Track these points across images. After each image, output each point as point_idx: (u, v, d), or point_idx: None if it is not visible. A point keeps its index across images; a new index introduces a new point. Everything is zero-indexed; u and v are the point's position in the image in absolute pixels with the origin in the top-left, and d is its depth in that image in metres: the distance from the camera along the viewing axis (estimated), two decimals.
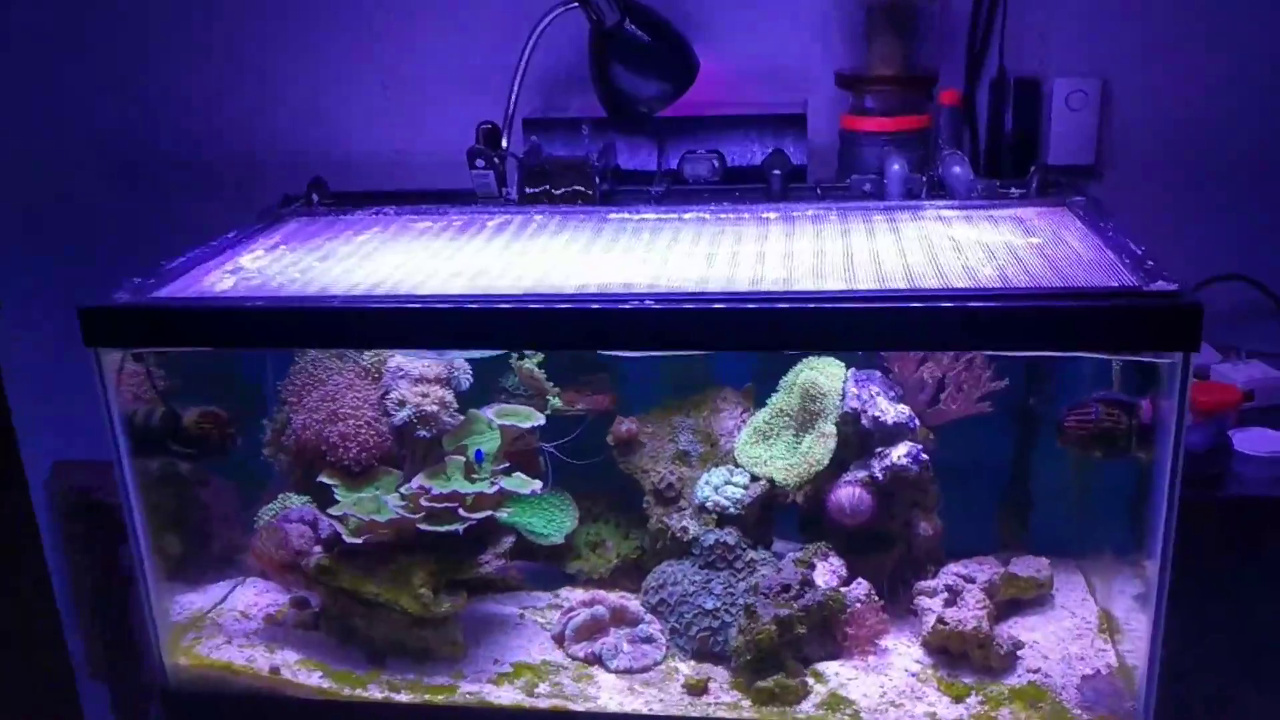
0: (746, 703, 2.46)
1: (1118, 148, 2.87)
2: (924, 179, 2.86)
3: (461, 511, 2.50)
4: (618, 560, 2.89)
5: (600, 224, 2.72)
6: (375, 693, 2.51)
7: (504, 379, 2.90)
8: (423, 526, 2.48)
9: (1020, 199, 2.77)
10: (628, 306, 2.12)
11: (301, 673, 2.57)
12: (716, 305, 2.09)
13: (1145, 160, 2.86)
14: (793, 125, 3.00)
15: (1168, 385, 2.09)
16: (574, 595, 2.84)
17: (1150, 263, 2.17)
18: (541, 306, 2.16)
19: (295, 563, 2.58)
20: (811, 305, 2.07)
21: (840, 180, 3.00)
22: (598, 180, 2.92)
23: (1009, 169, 3.06)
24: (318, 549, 2.58)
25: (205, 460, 2.59)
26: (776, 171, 2.94)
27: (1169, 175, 2.88)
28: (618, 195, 3.02)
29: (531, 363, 2.80)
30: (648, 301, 2.12)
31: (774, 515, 2.81)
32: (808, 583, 2.55)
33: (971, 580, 2.63)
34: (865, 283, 2.15)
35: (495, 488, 2.52)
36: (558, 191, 2.95)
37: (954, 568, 2.66)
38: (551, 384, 2.85)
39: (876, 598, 2.62)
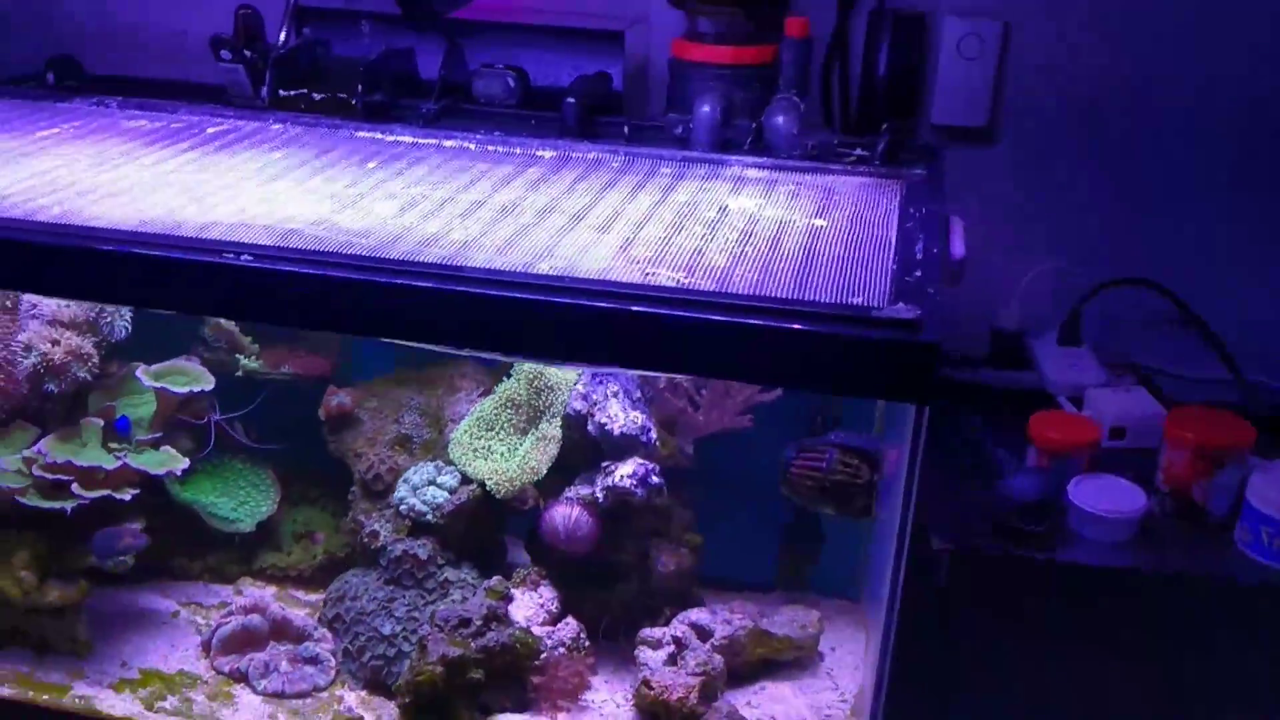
0: None
1: (1019, 108, 2.28)
2: (752, 126, 2.30)
3: (75, 489, 2.04)
4: (324, 556, 2.43)
5: (334, 145, 2.19)
6: None
7: (202, 330, 2.42)
8: (25, 501, 2.02)
9: (853, 164, 2.20)
10: (200, 259, 1.62)
11: None
12: (286, 268, 1.59)
13: (1050, 127, 2.27)
14: (610, 44, 2.43)
15: (910, 434, 1.58)
16: (262, 593, 2.39)
17: (919, 274, 1.64)
18: (112, 249, 1.66)
19: None
20: (412, 283, 1.56)
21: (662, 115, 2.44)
22: (362, 89, 2.39)
23: (878, 124, 2.46)
24: None
25: None
26: (570, 100, 2.37)
27: (1078, 146, 2.28)
28: (393, 111, 2.45)
29: None
30: (229, 256, 1.62)
31: (501, 526, 2.33)
32: (496, 618, 2.08)
33: (707, 633, 2.15)
34: (543, 261, 1.62)
35: (119, 464, 2.05)
36: (317, 97, 2.42)
37: (694, 615, 2.18)
38: (250, 340, 2.37)
39: (586, 643, 2.14)
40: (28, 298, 2.18)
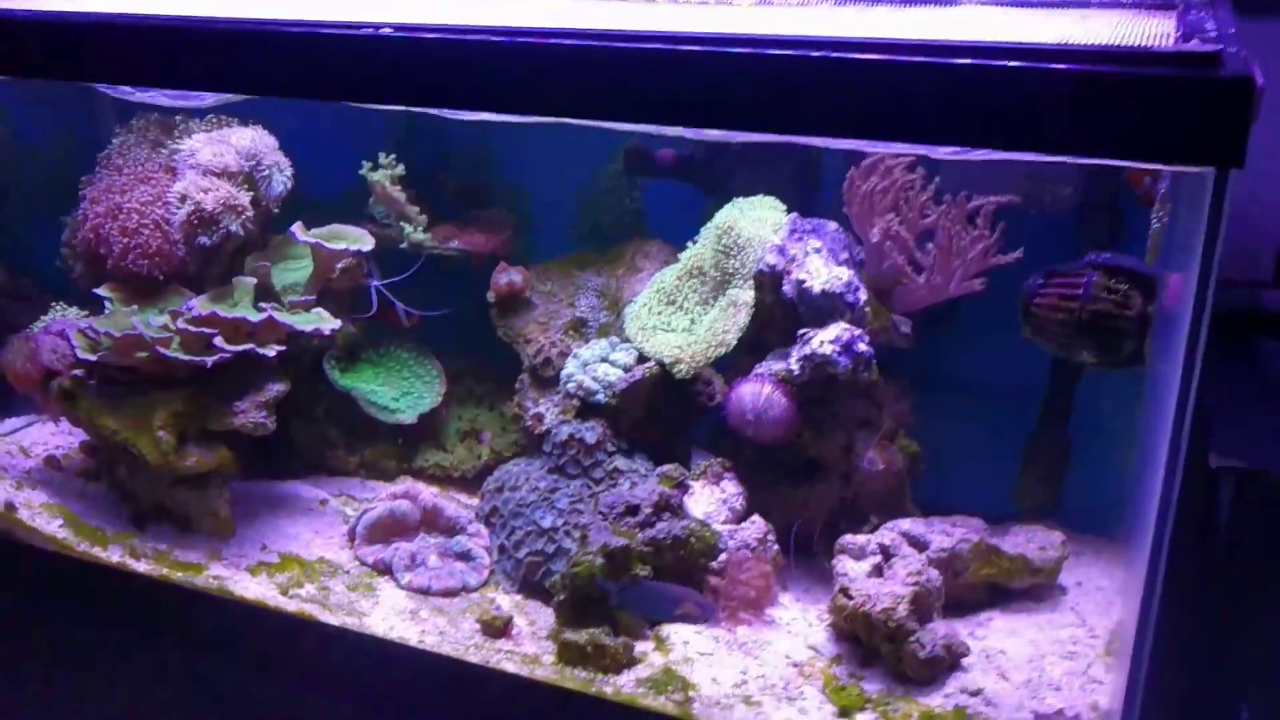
0: (550, 658, 1.72)
1: None
2: None
3: (217, 341, 1.87)
4: (491, 457, 2.19)
5: None
6: (113, 555, 1.95)
7: (370, 205, 2.24)
8: (163, 351, 1.86)
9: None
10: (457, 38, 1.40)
11: (40, 516, 2.04)
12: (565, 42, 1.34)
13: None
14: None
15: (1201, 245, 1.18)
16: (414, 484, 2.16)
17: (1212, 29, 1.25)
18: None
19: (43, 382, 2.03)
20: (694, 49, 1.28)
21: None
22: None
23: None
24: (78, 372, 2.01)
25: None
26: None
27: None
28: None
29: (385, 175, 2.12)
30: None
31: (684, 420, 2.02)
32: (668, 507, 1.76)
33: (920, 544, 1.76)
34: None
35: (263, 315, 1.87)
36: None
37: (905, 525, 1.79)
38: (417, 210, 2.16)
39: (774, 547, 1.79)
40: (187, 148, 2.05)
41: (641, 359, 1.94)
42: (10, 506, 2.03)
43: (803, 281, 1.74)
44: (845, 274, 1.73)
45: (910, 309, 1.82)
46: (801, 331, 1.77)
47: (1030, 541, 1.82)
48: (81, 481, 2.16)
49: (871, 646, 1.67)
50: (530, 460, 1.99)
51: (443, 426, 2.25)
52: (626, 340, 1.97)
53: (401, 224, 2.12)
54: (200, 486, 1.97)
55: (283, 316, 1.88)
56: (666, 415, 1.99)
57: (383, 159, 2.13)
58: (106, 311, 2.03)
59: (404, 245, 2.13)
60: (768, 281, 1.80)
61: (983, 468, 1.98)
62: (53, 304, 2.14)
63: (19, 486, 2.11)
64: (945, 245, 1.71)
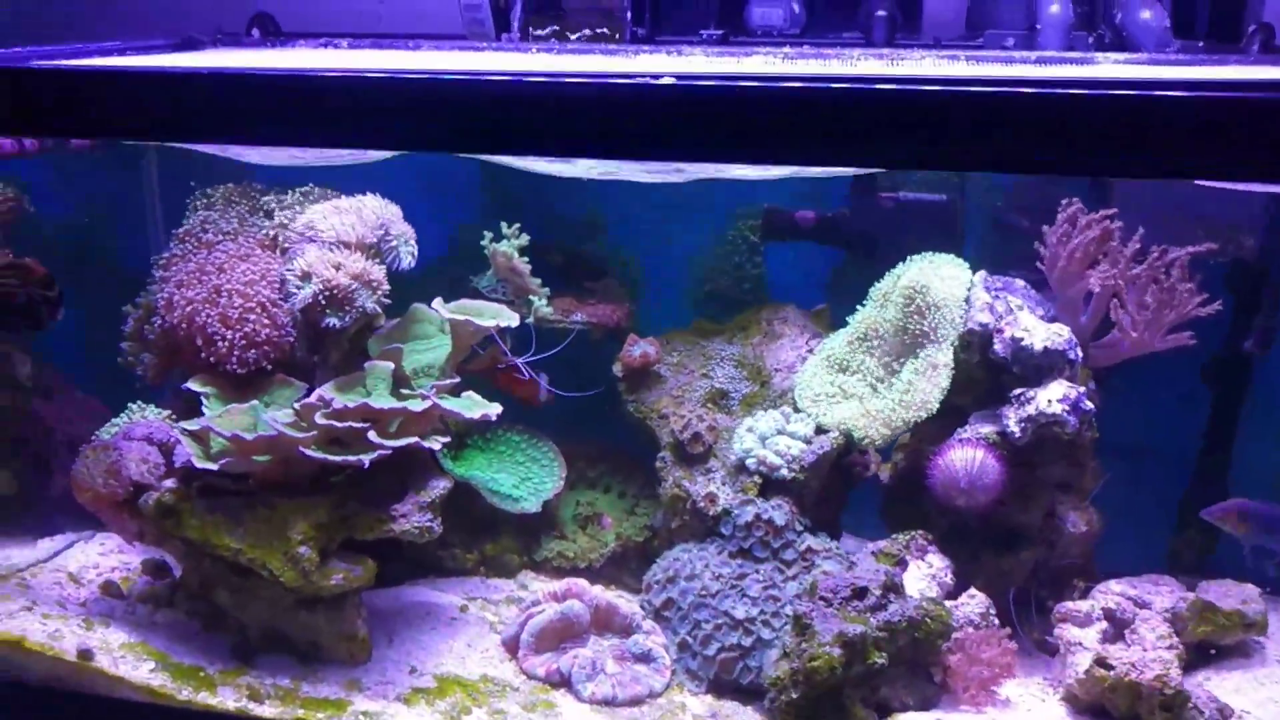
0: None
1: None
2: (1090, 38, 1.99)
3: (372, 436, 1.65)
4: (616, 544, 2.02)
5: (630, 59, 1.88)
6: (226, 699, 1.66)
7: (475, 277, 2.06)
8: (310, 453, 1.63)
9: (1232, 59, 1.85)
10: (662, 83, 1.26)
11: (125, 661, 1.73)
12: (787, 84, 1.22)
13: None
14: None
15: None
16: (546, 587, 1.96)
17: None
18: (548, 81, 1.30)
19: (130, 499, 1.74)
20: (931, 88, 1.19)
21: (970, 35, 2.13)
22: (629, 17, 2.10)
23: (1201, 28, 2.13)
24: (168, 483, 1.74)
25: (3, 331, 1.79)
26: (882, 12, 2.08)
27: None
28: (658, 42, 2.18)
29: (512, 246, 1.95)
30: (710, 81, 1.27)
31: (844, 488, 1.92)
32: (894, 589, 1.65)
33: (1145, 606, 1.71)
34: None
35: (427, 403, 1.66)
36: (573, 36, 2.13)
37: (1116, 586, 1.74)
38: (539, 282, 1.99)
39: (995, 620, 1.71)
40: (303, 222, 1.82)
41: (819, 430, 1.83)
42: (86, 654, 1.71)
43: (1019, 340, 1.68)
44: (1065, 330, 1.68)
45: (1107, 364, 1.79)
46: (1017, 392, 1.70)
47: (1229, 596, 1.79)
48: (149, 609, 1.87)
49: (1130, 717, 1.59)
50: (700, 545, 1.84)
51: (558, 513, 2.07)
52: (798, 410, 1.86)
53: (529, 298, 1.94)
54: (334, 606, 1.72)
55: (448, 403, 1.68)
56: (836, 484, 1.89)
57: (505, 229, 1.96)
58: (206, 409, 1.77)
59: (527, 319, 1.95)
60: (976, 341, 1.73)
61: (1135, 525, 1.95)
62: (129, 405, 1.85)
63: (87, 626, 1.79)
64: (1157, 298, 1.68)
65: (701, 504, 1.83)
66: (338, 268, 1.75)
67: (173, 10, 2.52)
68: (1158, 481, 1.97)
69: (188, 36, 2.09)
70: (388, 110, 1.32)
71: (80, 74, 1.41)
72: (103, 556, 2.00)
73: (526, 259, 1.96)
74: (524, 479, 2.03)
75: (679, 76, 1.31)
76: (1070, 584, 1.80)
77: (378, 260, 1.81)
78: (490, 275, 2.03)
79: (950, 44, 2.08)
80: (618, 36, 2.12)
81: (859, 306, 1.90)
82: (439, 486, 1.70)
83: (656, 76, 1.31)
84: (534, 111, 1.31)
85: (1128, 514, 1.92)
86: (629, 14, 2.11)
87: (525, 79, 1.28)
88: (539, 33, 2.12)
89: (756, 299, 2.10)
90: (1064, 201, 1.77)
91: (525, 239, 1.96)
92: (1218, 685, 1.72)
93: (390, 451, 1.65)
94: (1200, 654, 1.76)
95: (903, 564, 1.71)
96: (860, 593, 1.64)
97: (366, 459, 1.64)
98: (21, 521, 2.06)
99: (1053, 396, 1.66)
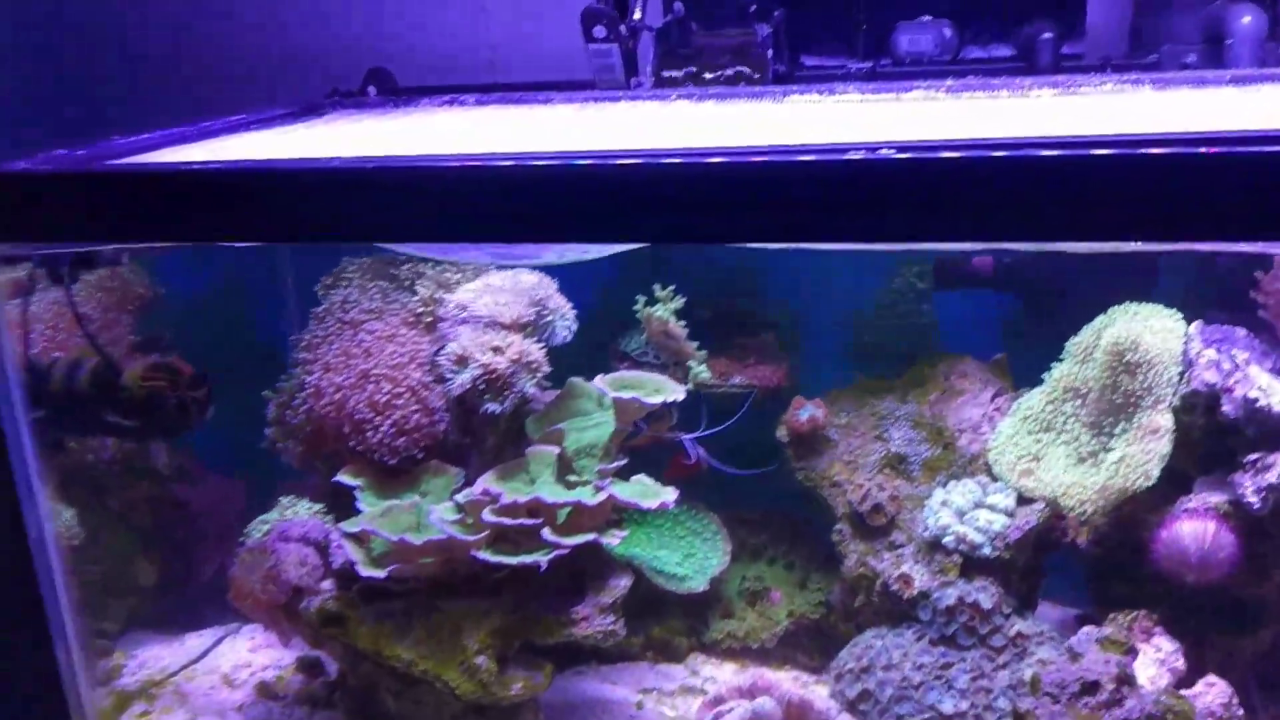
0: None
1: None
2: None
3: (547, 534, 1.53)
4: (789, 621, 1.88)
5: (779, 101, 1.74)
6: None
7: (623, 339, 1.93)
8: (484, 556, 1.52)
9: None
10: (848, 157, 1.13)
11: None
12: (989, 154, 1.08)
13: None
14: None
15: None
16: (719, 673, 1.84)
17: None
18: (691, 161, 1.18)
19: (292, 605, 1.64)
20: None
21: (1135, 55, 1.96)
22: (770, 55, 1.96)
23: None
24: (327, 584, 1.64)
25: (156, 437, 1.70)
26: (1047, 35, 1.91)
27: None
28: (798, 82, 2.02)
29: (667, 310, 1.82)
30: (883, 152, 1.13)
31: (1042, 557, 1.76)
32: (1126, 681, 1.49)
33: None
34: None
35: (602, 494, 1.54)
36: (709, 76, 1.99)
37: None
38: (696, 345, 1.86)
39: (1239, 713, 1.54)
40: (456, 301, 1.71)
41: (1021, 499, 1.68)
42: None
43: (1254, 400, 1.51)
44: None
45: None
46: (1253, 457, 1.53)
47: None
48: (307, 711, 1.77)
49: None
50: (895, 630, 1.70)
51: (724, 589, 1.94)
52: (996, 480, 1.71)
53: (689, 363, 1.81)
54: (509, 712, 1.61)
55: (623, 491, 1.55)
56: (1037, 561, 1.73)
57: (660, 292, 1.83)
58: (361, 504, 1.66)
59: (687, 386, 1.82)
60: (1202, 402, 1.56)
61: None
62: (280, 499, 1.76)
63: None
64: None
65: (895, 586, 1.69)
66: (496, 350, 1.63)
67: (278, 70, 2.42)
68: None
69: (309, 103, 1.98)
70: (558, 198, 1.19)
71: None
72: (253, 654, 1.91)
73: (683, 322, 1.82)
74: (688, 555, 1.90)
75: (897, 147, 1.17)
76: None
77: (534, 338, 1.68)
78: (640, 338, 1.90)
79: (1122, 63, 1.91)
80: (758, 76, 1.97)
81: (1055, 362, 1.74)
82: (619, 585, 1.58)
83: (874, 148, 1.17)
84: (735, 197, 1.18)
85: None
86: (770, 51, 1.96)
87: (741, 159, 1.15)
88: (672, 73, 1.98)
89: (925, 352, 1.95)
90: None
91: (680, 301, 1.83)
92: None
93: (569, 550, 1.52)
94: None
95: (1132, 652, 1.55)
96: (1091, 687, 1.48)
97: (543, 560, 1.52)
98: (165, 612, 1.98)
99: None
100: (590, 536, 1.53)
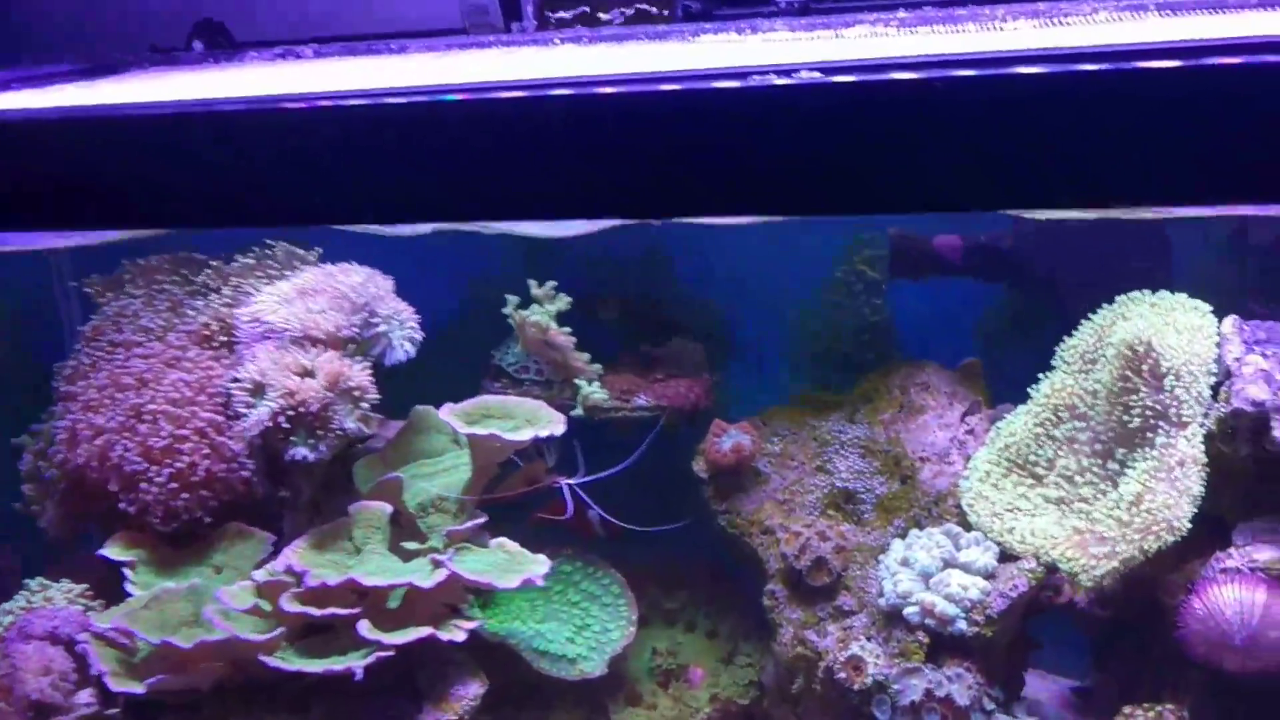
0: None
1: None
2: None
3: (365, 630, 1.11)
4: (712, 708, 1.48)
5: (689, 42, 1.34)
6: None
7: (499, 350, 1.51)
8: (277, 664, 1.09)
9: None
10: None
11: None
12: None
13: None
14: None
15: None
16: None
17: None
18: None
19: None
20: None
21: None
22: None
23: None
24: (83, 697, 1.21)
25: None
26: None
27: None
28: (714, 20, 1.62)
29: (546, 314, 1.40)
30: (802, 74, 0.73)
31: (1030, 630, 1.37)
32: None
33: None
34: None
35: (441, 573, 1.12)
36: (605, 15, 1.61)
37: None
38: (587, 358, 1.45)
39: None
40: (250, 313, 1.27)
41: (1005, 556, 1.28)
42: None
43: None
44: None
45: None
46: None
47: None
48: None
49: None
50: None
51: (629, 667, 1.53)
52: (969, 528, 1.31)
53: (578, 381, 1.40)
54: None
55: (469, 567, 1.14)
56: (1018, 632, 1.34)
57: (536, 288, 1.41)
58: (131, 584, 1.24)
59: (575, 410, 1.41)
60: (1247, 424, 1.17)
61: None
62: (25, 582, 1.32)
63: None
64: None
65: (841, 673, 1.28)
66: (304, 375, 1.20)
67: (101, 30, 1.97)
68: None
69: (107, 59, 1.54)
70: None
71: None
72: None
73: (568, 329, 1.41)
74: (581, 628, 1.49)
75: (821, 68, 0.79)
76: None
77: (359, 356, 1.26)
78: (518, 349, 1.48)
79: None
80: (666, 14, 1.58)
81: (1045, 373, 1.34)
82: (468, 695, 1.16)
83: (789, 70, 0.79)
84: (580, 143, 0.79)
85: None
86: None
87: (582, 90, 0.75)
88: (560, 14, 1.59)
89: (881, 358, 1.55)
90: None
91: (564, 302, 1.41)
92: None
93: (393, 653, 1.10)
94: None
95: None
96: None
97: (359, 667, 1.10)
98: None
99: None
100: (424, 632, 1.11)
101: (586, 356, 1.44)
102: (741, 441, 1.45)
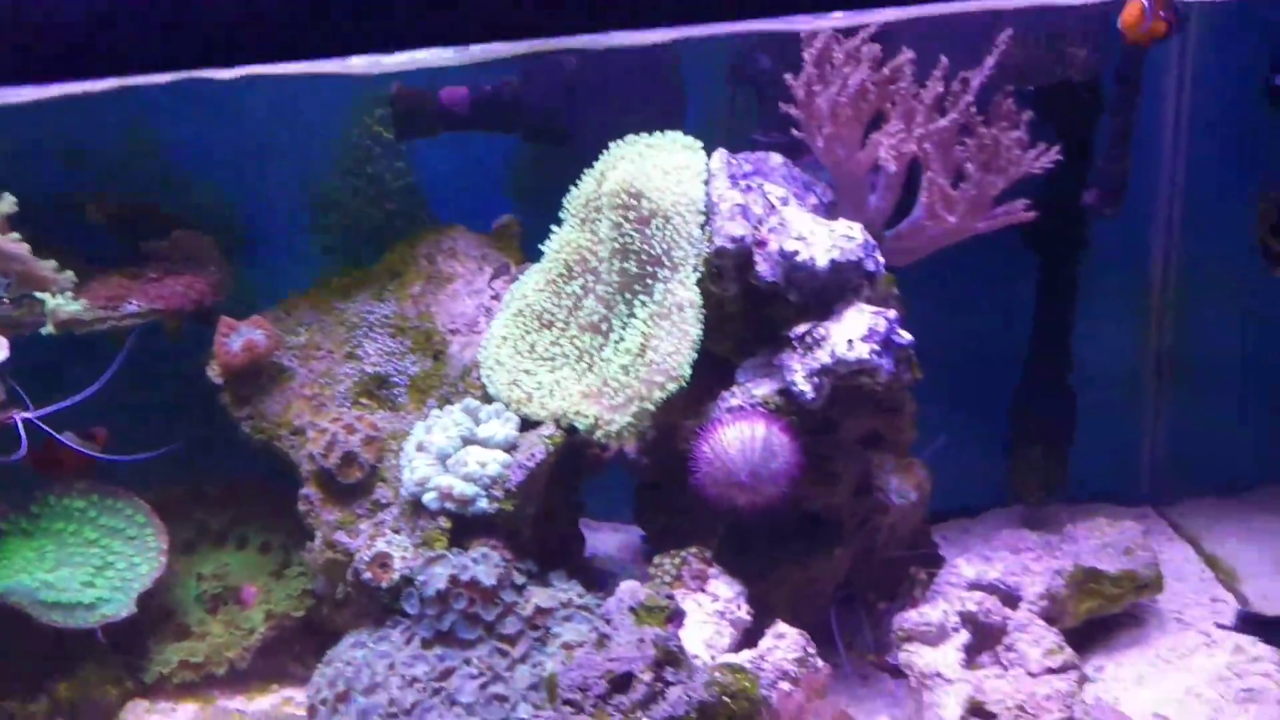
0: None
1: None
2: None
3: None
4: (267, 627, 1.36)
5: None
6: None
7: None
8: None
9: None
10: None
11: None
12: None
13: None
14: None
15: None
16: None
17: None
18: None
19: None
20: None
21: None
22: None
23: None
24: None
25: None
26: None
27: None
28: None
29: None
30: None
31: (575, 485, 1.32)
32: (670, 662, 1.07)
33: (1015, 597, 1.22)
34: None
35: None
36: None
37: (968, 569, 1.24)
38: (54, 265, 1.25)
39: (818, 664, 1.16)
40: None
41: (527, 424, 1.21)
42: None
43: (793, 254, 1.10)
44: (856, 230, 1.11)
45: (911, 260, 1.24)
46: (801, 330, 1.13)
47: (1109, 546, 1.34)
48: None
49: None
50: (379, 632, 1.21)
51: (171, 600, 1.39)
52: (490, 400, 1.23)
53: (36, 294, 1.21)
54: None
55: None
56: (559, 498, 1.29)
57: None
58: None
59: (46, 329, 1.23)
60: (730, 264, 1.13)
61: (963, 458, 1.44)
62: None
63: None
64: (978, 160, 1.13)
65: (366, 573, 1.19)
66: None
67: None
68: (982, 393, 1.48)
69: None
70: None
71: None
72: None
73: (17, 235, 1.21)
74: (101, 567, 1.33)
75: None
76: (906, 576, 1.28)
77: None
78: None
79: None
80: None
81: (558, 226, 1.27)
82: None
83: None
84: None
85: (950, 448, 1.40)
86: None
87: None
88: None
89: (409, 226, 1.43)
90: (804, 32, 1.18)
91: (9, 203, 1.21)
92: (1115, 678, 1.27)
93: None
94: (1088, 633, 1.31)
95: (676, 617, 1.14)
96: (622, 682, 1.06)
97: None
98: None
99: (853, 334, 1.10)
100: None
101: (53, 264, 1.24)
102: (253, 338, 1.31)
